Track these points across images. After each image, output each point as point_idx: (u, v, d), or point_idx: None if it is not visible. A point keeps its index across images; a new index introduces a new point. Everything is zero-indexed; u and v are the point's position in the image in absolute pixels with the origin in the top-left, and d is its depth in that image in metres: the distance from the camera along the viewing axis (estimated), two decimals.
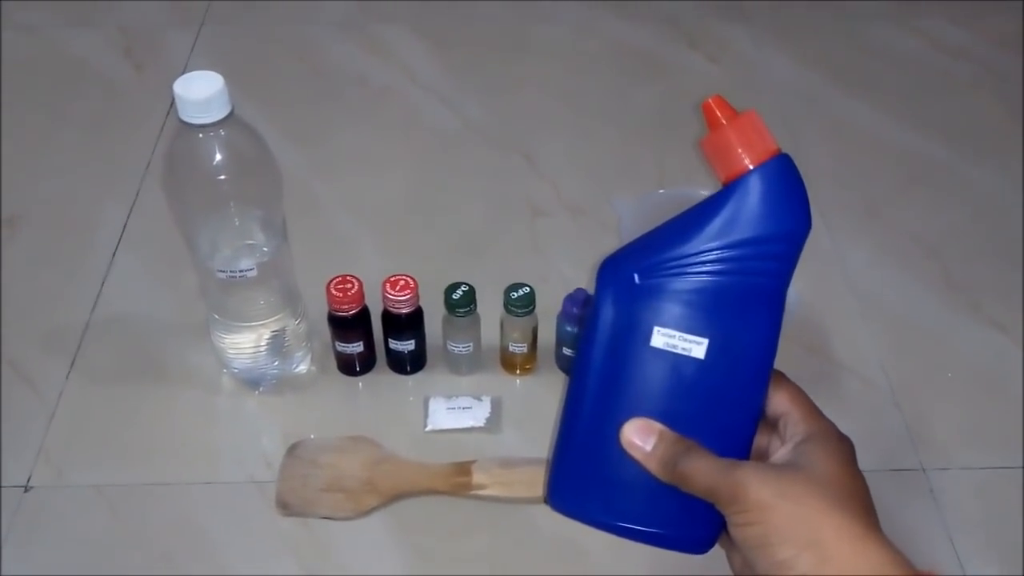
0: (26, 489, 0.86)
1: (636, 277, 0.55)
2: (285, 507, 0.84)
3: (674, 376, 0.55)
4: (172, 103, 0.75)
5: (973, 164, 1.21)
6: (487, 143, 1.24)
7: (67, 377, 0.95)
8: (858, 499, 0.52)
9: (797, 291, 0.98)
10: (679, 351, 0.55)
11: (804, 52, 1.40)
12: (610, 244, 1.07)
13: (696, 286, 0.54)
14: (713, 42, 1.41)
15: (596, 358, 0.57)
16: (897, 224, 1.13)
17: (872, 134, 1.26)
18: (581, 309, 0.89)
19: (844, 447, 0.55)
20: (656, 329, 0.55)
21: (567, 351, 0.93)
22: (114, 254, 1.07)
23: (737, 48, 1.41)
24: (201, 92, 0.73)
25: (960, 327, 1.01)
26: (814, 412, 0.57)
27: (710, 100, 0.55)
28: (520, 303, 0.89)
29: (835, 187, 1.17)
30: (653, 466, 0.55)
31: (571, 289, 0.91)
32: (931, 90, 1.34)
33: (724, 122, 0.54)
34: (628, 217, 1.10)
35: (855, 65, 1.38)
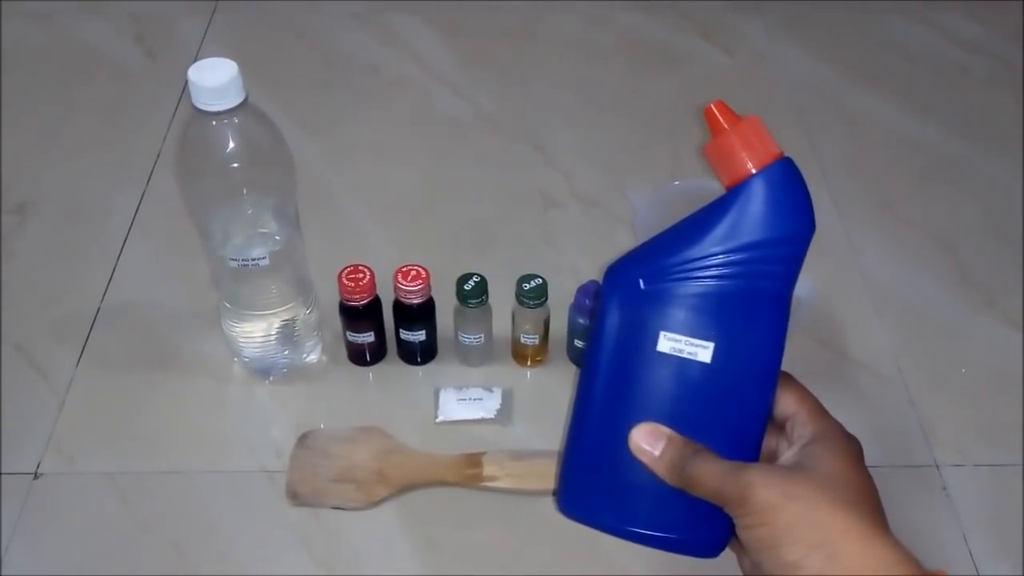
0: (36, 476, 0.86)
1: (641, 283, 0.56)
2: (295, 497, 0.84)
3: (681, 380, 0.55)
4: (184, 90, 0.75)
5: (988, 159, 1.20)
6: (499, 134, 1.24)
7: (77, 365, 0.95)
8: (866, 499, 0.52)
9: (811, 285, 0.97)
10: (686, 355, 0.55)
11: (819, 45, 1.39)
12: (623, 236, 1.08)
13: (701, 290, 0.54)
14: (727, 35, 1.41)
15: (603, 364, 0.57)
16: (911, 219, 1.12)
17: (887, 128, 1.26)
18: (593, 301, 0.88)
19: (852, 447, 0.55)
20: (662, 334, 0.55)
21: (579, 343, 0.93)
22: (125, 241, 1.07)
23: (751, 41, 1.40)
24: (215, 79, 0.73)
25: (974, 323, 1.01)
26: (821, 413, 0.57)
27: (712, 106, 0.56)
28: (532, 294, 0.88)
29: (849, 181, 1.16)
30: (662, 470, 0.55)
31: (583, 281, 0.90)
32: (946, 84, 1.33)
33: (726, 127, 0.55)
34: (642, 209, 1.09)
35: (870, 59, 1.37)
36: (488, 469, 0.85)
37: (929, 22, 1.44)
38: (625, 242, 1.07)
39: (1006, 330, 1.00)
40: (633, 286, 0.56)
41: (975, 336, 1.00)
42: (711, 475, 0.53)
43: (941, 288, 1.04)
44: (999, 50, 1.39)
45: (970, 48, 1.39)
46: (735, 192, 0.54)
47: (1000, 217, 1.13)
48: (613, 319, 0.56)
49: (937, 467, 0.88)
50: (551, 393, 0.93)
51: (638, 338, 0.55)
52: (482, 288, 0.89)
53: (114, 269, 1.04)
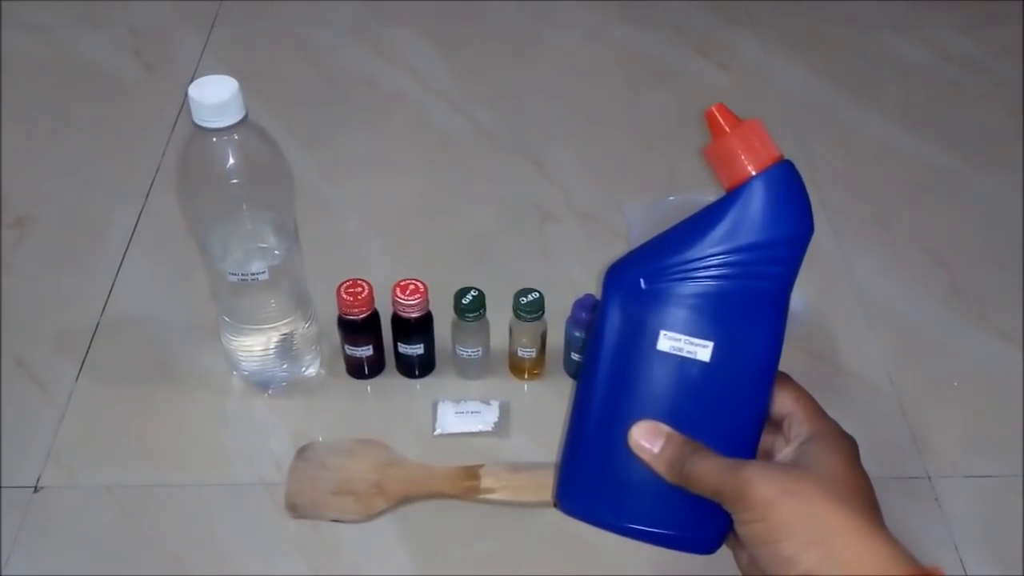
0: (36, 489, 0.86)
1: (642, 282, 0.56)
2: (294, 509, 0.84)
3: (680, 379, 0.56)
4: (183, 105, 0.75)
5: (981, 173, 1.21)
6: (496, 148, 1.25)
7: (77, 378, 0.95)
8: (862, 496, 0.53)
9: (805, 298, 0.98)
10: (685, 354, 0.56)
11: (813, 60, 1.40)
12: (619, 250, 1.07)
13: (701, 290, 0.55)
14: (722, 49, 1.42)
15: (604, 362, 0.58)
16: (905, 233, 1.13)
17: (880, 142, 1.27)
18: (590, 314, 0.89)
19: (848, 445, 0.56)
20: (662, 333, 0.56)
21: (575, 356, 0.93)
22: (124, 255, 1.08)
23: (746, 56, 1.41)
24: (216, 96, 0.73)
25: (966, 336, 1.02)
26: (818, 412, 0.58)
27: (713, 108, 0.56)
28: (529, 308, 0.89)
29: (843, 195, 1.17)
30: (660, 467, 0.56)
31: (580, 294, 0.91)
32: (939, 99, 1.34)
33: (727, 130, 0.56)
34: (638, 223, 1.10)
35: (863, 73, 1.39)
36: (486, 481, 0.85)
37: (922, 37, 1.45)
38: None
39: (998, 343, 1.01)
40: (634, 285, 0.56)
41: (967, 349, 1.00)
42: (709, 472, 0.54)
43: (933, 301, 1.05)
44: (991, 65, 1.40)
45: (962, 63, 1.40)
46: (735, 194, 0.55)
47: (993, 231, 1.14)
48: (614, 318, 0.57)
49: (929, 478, 0.89)
50: (548, 406, 0.93)
51: (638, 337, 0.56)
52: (480, 302, 0.89)
53: (113, 283, 1.05)
